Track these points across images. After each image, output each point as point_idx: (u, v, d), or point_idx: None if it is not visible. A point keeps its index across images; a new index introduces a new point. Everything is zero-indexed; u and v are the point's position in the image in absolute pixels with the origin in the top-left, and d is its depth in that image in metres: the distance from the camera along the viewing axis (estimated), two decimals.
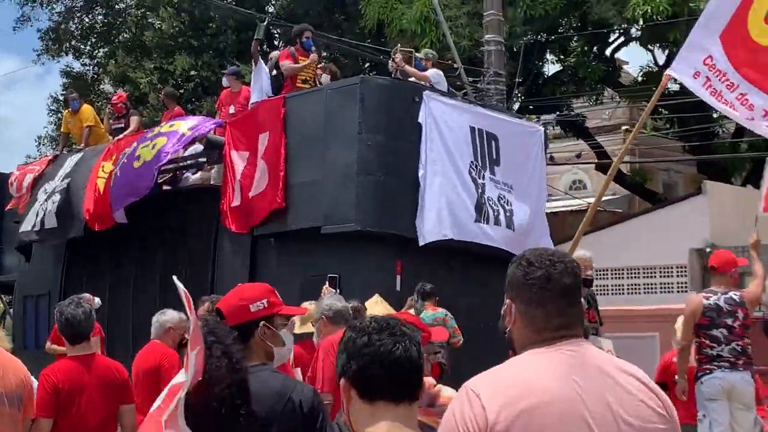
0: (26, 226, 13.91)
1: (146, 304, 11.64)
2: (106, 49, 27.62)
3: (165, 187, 13.00)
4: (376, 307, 8.85)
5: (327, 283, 8.28)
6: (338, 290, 8.22)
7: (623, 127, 27.41)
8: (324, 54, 14.16)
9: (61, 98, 26.29)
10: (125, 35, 27.73)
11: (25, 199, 14.61)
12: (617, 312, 14.52)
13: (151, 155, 12.09)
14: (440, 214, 10.86)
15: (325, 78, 12.43)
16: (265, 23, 14.11)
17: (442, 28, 17.19)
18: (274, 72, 12.49)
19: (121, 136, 13.48)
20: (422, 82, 11.76)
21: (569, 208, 24.90)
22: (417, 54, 12.77)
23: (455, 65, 16.36)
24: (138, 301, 12.56)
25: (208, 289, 11.63)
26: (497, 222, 11.36)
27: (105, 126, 14.95)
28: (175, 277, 3.54)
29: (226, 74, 13.74)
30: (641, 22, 19.40)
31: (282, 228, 11.29)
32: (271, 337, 3.59)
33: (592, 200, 26.25)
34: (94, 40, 27.91)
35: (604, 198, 26.49)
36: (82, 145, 14.73)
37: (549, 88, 22.98)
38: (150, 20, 28.03)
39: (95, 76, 28.19)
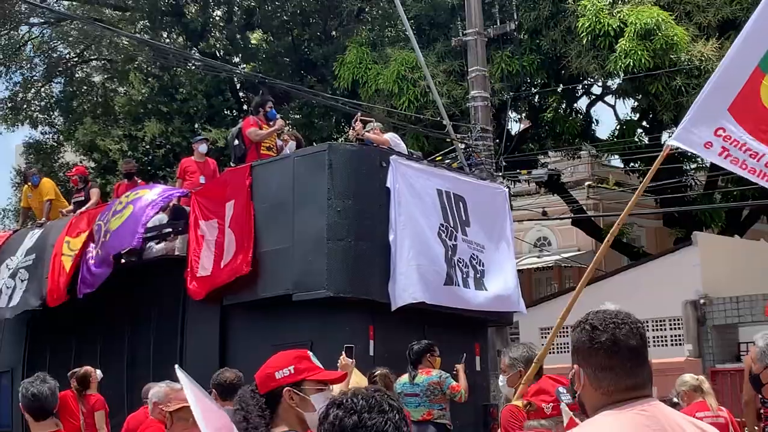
0: None
1: (114, 378, 12.11)
2: (65, 119, 28.42)
3: (124, 260, 13.54)
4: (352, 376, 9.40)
5: (344, 353, 8.42)
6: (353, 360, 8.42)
7: (586, 183, 28.51)
8: (289, 123, 14.99)
9: (23, 170, 27.00)
10: (88, 103, 28.57)
11: None
12: None
13: (121, 220, 12.72)
14: (411, 278, 11.46)
15: (292, 145, 13.17)
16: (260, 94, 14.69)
17: (428, 84, 17.99)
18: (236, 142, 13.19)
19: (83, 209, 14.01)
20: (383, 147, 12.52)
21: (535, 265, 25.86)
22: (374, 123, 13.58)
23: (444, 122, 17.19)
24: (106, 376, 12.94)
25: (176, 359, 12.14)
26: (466, 284, 12.02)
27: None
28: (177, 367, 3.94)
29: (197, 142, 14.44)
30: (622, 75, 20.48)
31: (252, 296, 11.76)
32: (300, 403, 3.73)
33: (557, 257, 27.32)
34: (53, 109, 28.75)
35: (568, 254, 27.50)
36: (44, 219, 15.20)
37: (526, 144, 24.06)
38: (117, 87, 28.93)
39: (56, 146, 28.92)
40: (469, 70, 17.52)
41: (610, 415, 2.70)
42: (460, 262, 12.06)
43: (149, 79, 27.94)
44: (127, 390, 11.93)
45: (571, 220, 26.11)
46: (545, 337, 20.71)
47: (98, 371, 11.33)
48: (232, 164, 12.90)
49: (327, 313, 11.28)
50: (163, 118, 26.53)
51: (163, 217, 13.45)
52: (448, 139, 19.38)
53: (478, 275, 12.27)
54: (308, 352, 3.98)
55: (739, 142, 6.39)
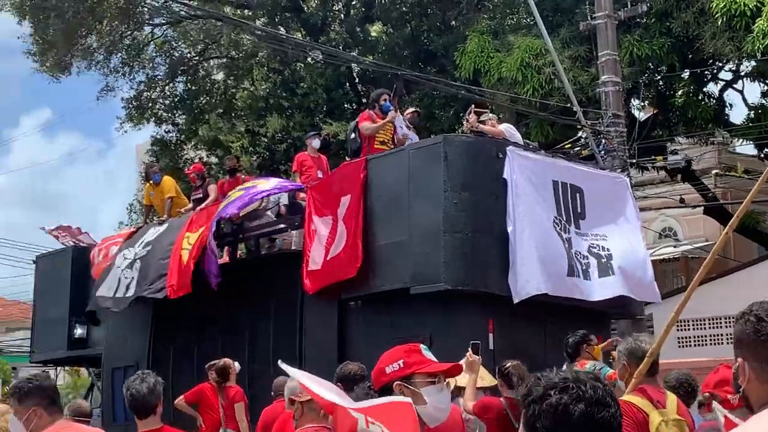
0: (104, 291, 15.03)
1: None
2: (188, 117, 29.65)
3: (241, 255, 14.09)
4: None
5: (470, 349, 8.54)
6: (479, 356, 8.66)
7: (713, 171, 27.91)
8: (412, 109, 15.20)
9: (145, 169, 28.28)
10: (210, 101, 29.74)
11: (98, 270, 15.91)
12: None
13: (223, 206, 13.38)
14: (533, 270, 11.53)
15: (413, 136, 13.44)
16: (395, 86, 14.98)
17: (557, 69, 18.00)
18: (352, 135, 13.57)
19: (202, 205, 14.66)
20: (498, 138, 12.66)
21: (660, 257, 25.49)
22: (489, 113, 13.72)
23: (574, 108, 17.17)
24: None
25: (296, 354, 12.59)
26: (587, 276, 12.05)
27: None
28: (280, 362, 4.07)
29: (310, 137, 14.90)
30: (759, 56, 20.05)
31: (370, 290, 12.08)
32: (411, 396, 3.74)
33: (683, 248, 26.86)
34: (176, 107, 30.01)
35: (696, 245, 26.92)
36: (165, 216, 15.90)
37: (656, 131, 23.78)
38: (238, 84, 29.96)
39: (179, 143, 30.18)
40: (599, 54, 17.39)
41: None
42: (578, 255, 12.10)
43: (270, 75, 28.75)
44: (249, 384, 12.36)
45: (703, 209, 25.64)
46: (680, 330, 20.46)
47: (236, 363, 11.61)
48: (347, 158, 13.23)
49: (445, 306, 11.49)
50: (284, 113, 27.27)
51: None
52: (578, 126, 19.32)
53: (603, 260, 12.27)
54: (420, 345, 4.04)
55: None
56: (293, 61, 28.32)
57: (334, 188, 12.70)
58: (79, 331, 16.88)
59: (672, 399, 6.10)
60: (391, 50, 27.70)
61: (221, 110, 29.15)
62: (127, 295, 14.53)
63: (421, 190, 11.84)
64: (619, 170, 15.96)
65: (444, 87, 23.10)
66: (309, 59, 28.63)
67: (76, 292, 16.90)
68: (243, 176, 16.48)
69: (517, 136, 13.20)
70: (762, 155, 25.77)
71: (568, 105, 18.93)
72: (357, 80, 28.84)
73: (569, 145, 23.71)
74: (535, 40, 22.66)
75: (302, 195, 13.49)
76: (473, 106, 13.78)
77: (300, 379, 3.90)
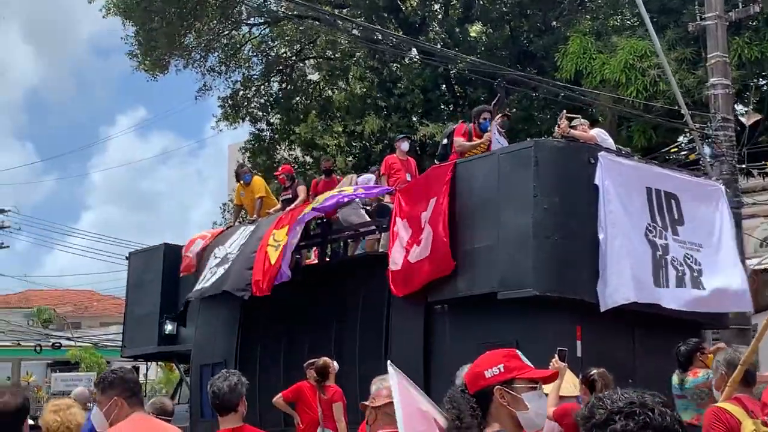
0: (197, 288, 15.63)
1: None
2: (283, 117, 30.41)
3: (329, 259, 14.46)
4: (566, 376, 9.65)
5: (557, 356, 8.52)
6: (566, 363, 8.51)
7: None
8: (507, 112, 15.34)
9: (248, 164, 29.24)
10: (307, 101, 30.45)
11: (191, 263, 16.50)
12: None
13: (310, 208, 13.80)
14: (623, 278, 11.56)
15: (505, 122, 13.63)
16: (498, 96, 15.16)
17: (664, 70, 17.97)
18: (445, 141, 13.81)
19: (291, 206, 15.09)
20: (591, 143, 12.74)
21: (763, 266, 25.10)
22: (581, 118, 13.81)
23: (682, 111, 17.10)
24: None
25: (381, 356, 12.87)
26: (681, 283, 12.08)
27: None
28: (389, 362, 4.30)
29: (399, 140, 15.22)
30: None
31: (456, 294, 12.27)
32: (512, 402, 3.76)
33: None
34: (272, 107, 30.79)
35: None
36: (255, 216, 16.40)
37: (765, 136, 23.49)
38: (335, 83, 30.58)
39: (273, 142, 30.92)
40: (708, 56, 17.20)
41: None
42: (674, 261, 12.13)
43: (367, 74, 29.20)
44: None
45: None
46: None
47: (335, 363, 11.80)
48: (436, 162, 13.50)
49: (533, 312, 11.60)
50: (381, 113, 27.68)
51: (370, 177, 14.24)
52: (685, 130, 19.17)
53: (695, 274, 12.29)
54: (517, 351, 4.03)
55: None
56: (391, 61, 28.72)
57: (421, 191, 12.93)
58: (169, 327, 17.47)
59: None
60: (489, 51, 27.82)
61: (316, 110, 29.71)
62: (206, 286, 15.11)
63: (510, 195, 11.98)
64: (728, 175, 15.94)
65: (546, 87, 23.14)
66: (406, 59, 29.06)
67: (167, 288, 17.55)
68: (338, 177, 16.90)
69: (610, 142, 13.26)
70: None
71: (674, 108, 18.84)
72: (454, 81, 29.05)
73: (675, 149, 23.61)
74: (640, 41, 22.59)
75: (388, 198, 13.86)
76: (564, 111, 13.89)
77: (393, 385, 4.21)
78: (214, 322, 16.37)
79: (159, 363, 22.83)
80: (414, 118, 27.29)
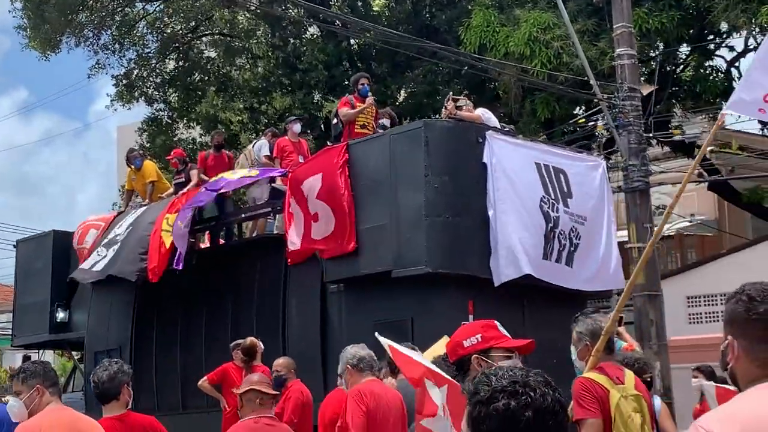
0: (83, 267, 16.02)
1: (217, 355, 13.60)
2: (181, 95, 30.67)
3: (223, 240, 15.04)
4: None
5: None
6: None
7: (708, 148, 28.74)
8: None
9: (146, 145, 29.58)
10: (204, 78, 30.77)
11: (88, 254, 16.83)
12: None
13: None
14: (514, 252, 12.40)
15: (385, 122, 14.38)
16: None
17: (573, 41, 18.54)
18: (335, 120, 14.47)
19: (184, 189, 15.60)
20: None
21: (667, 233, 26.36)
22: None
23: (591, 82, 17.58)
24: (210, 355, 14.47)
25: (279, 335, 13.56)
26: (559, 259, 12.97)
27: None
28: (377, 334, 4.82)
29: (291, 122, 15.85)
30: None
31: (351, 273, 12.94)
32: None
33: (677, 226, 27.73)
34: (169, 86, 30.98)
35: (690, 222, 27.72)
36: (147, 200, 16.88)
37: (665, 105, 24.54)
38: (235, 60, 30.94)
39: (170, 123, 31.20)
40: (614, 26, 17.63)
41: (765, 388, 2.87)
42: (561, 235, 12.97)
43: (270, 52, 29.65)
44: None
45: (707, 185, 26.54)
46: (692, 305, 21.39)
47: (260, 343, 11.86)
48: (328, 143, 14.20)
49: (426, 289, 12.32)
50: (286, 90, 28.21)
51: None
52: (593, 100, 19.87)
53: (571, 248, 13.15)
54: (495, 322, 4.46)
55: None
56: (293, 37, 29.21)
57: (313, 172, 13.52)
58: (60, 315, 17.87)
59: (630, 375, 6.57)
60: (392, 26, 28.47)
61: (215, 88, 30.08)
62: (95, 269, 15.51)
63: (402, 175, 12.64)
64: (636, 145, 16.62)
65: (450, 60, 23.76)
66: (308, 34, 29.58)
67: (57, 275, 17.89)
68: (227, 152, 17.46)
69: (494, 120, 14.02)
70: (764, 133, 26.57)
71: (579, 78, 19.58)
72: (357, 57, 29.66)
73: (582, 120, 24.53)
74: (543, 13, 23.39)
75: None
76: (450, 93, 14.66)
77: (390, 344, 4.67)
78: (108, 308, 16.81)
79: (56, 351, 23.07)
80: (318, 95, 27.86)
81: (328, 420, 8.59)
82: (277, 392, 7.92)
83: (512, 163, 12.89)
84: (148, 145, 29.96)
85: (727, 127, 27.83)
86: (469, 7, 25.64)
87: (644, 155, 17.12)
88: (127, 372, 6.52)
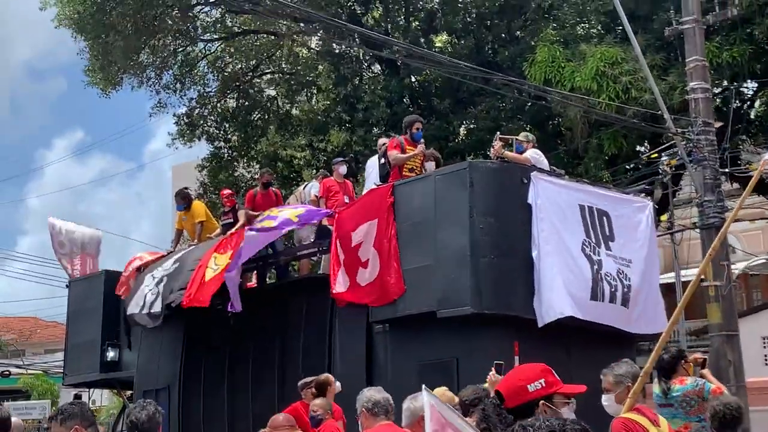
0: (133, 308, 16.57)
1: (264, 396, 14.25)
2: (242, 132, 31.72)
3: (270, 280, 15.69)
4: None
5: (494, 369, 9.31)
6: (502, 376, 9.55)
7: None
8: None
9: (207, 182, 30.64)
10: (264, 116, 31.80)
11: (123, 281, 17.63)
12: None
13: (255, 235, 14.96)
14: (557, 293, 12.78)
15: (430, 165, 14.93)
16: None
17: (646, 76, 18.86)
18: (382, 161, 15.06)
19: (232, 230, 16.27)
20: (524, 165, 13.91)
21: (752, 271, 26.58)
22: (517, 137, 15.15)
23: (665, 116, 17.88)
24: (257, 394, 15.06)
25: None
26: (613, 299, 13.33)
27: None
28: (424, 387, 4.59)
29: (337, 163, 16.52)
30: None
31: (396, 314, 13.43)
32: (552, 415, 4.11)
33: (743, 264, 27.79)
34: (229, 123, 32.14)
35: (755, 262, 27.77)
36: (195, 240, 17.64)
37: (733, 141, 24.68)
38: (296, 98, 31.92)
39: (230, 159, 32.26)
40: (687, 60, 18.01)
41: None
42: (608, 276, 13.37)
43: (332, 89, 30.53)
44: (278, 407, 13.89)
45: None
46: (766, 347, 21.57)
47: (338, 383, 11.96)
48: (375, 184, 14.81)
49: (471, 330, 12.76)
50: (346, 127, 28.99)
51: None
52: (662, 136, 19.99)
53: (625, 290, 13.55)
54: (547, 365, 4.62)
55: None
56: (354, 76, 30.04)
57: (360, 213, 14.10)
58: (111, 354, 18.54)
59: (663, 419, 6.98)
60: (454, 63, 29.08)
61: (275, 126, 31.02)
62: (153, 311, 16.08)
63: (447, 216, 13.12)
64: (711, 180, 17.02)
65: (517, 88, 24.09)
66: (369, 73, 30.39)
67: (108, 314, 18.65)
68: (274, 190, 18.04)
69: (544, 162, 14.52)
70: None
71: (650, 111, 19.90)
72: (418, 93, 30.34)
73: (655, 155, 24.82)
74: (610, 48, 23.90)
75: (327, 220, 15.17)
76: (498, 133, 15.20)
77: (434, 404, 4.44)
78: (157, 347, 17.55)
79: (111, 390, 24.04)
80: (380, 131, 28.58)
81: None
82: None
83: (557, 205, 13.32)
84: (208, 181, 30.98)
85: None
86: (533, 43, 26.19)
87: (719, 191, 17.34)
88: (162, 413, 6.83)
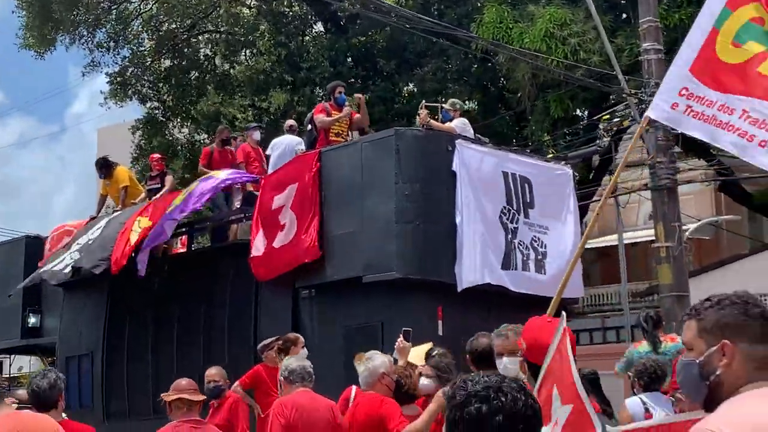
0: (48, 267, 17.17)
1: (189, 361, 14.97)
2: (177, 93, 32.35)
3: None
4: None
5: (401, 336, 9.70)
6: (410, 342, 9.78)
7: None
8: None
9: (142, 145, 31.26)
10: (201, 76, 32.47)
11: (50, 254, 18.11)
12: None
13: (180, 200, 15.55)
14: (475, 260, 13.64)
15: (356, 135, 15.73)
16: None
17: (600, 34, 19.39)
18: (309, 126, 15.83)
19: (158, 195, 16.97)
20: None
21: (648, 238, 27.60)
22: (444, 105, 15.98)
23: (619, 76, 18.40)
24: (182, 359, 15.74)
25: (251, 341, 14.69)
26: (526, 267, 14.20)
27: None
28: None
29: (251, 129, 17.45)
30: None
31: (322, 279, 14.19)
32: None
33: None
34: (164, 83, 32.72)
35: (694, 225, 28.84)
36: (120, 206, 18.26)
37: None
38: (235, 58, 32.48)
39: (164, 121, 32.90)
40: (641, 21, 18.29)
41: (764, 394, 3.22)
42: (521, 245, 14.22)
43: (273, 49, 31.10)
44: (203, 372, 14.62)
45: (718, 185, 27.66)
46: None
47: (304, 349, 11.89)
48: (301, 149, 15.63)
49: (396, 294, 13.50)
50: (286, 87, 29.65)
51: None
52: (622, 95, 20.55)
53: (539, 257, 14.43)
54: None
55: (701, 98, 7.93)
56: (297, 35, 30.63)
57: (284, 179, 14.82)
58: (32, 320, 19.18)
59: None
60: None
61: (212, 86, 31.59)
62: (65, 270, 16.71)
63: (373, 182, 13.88)
64: (663, 141, 17.37)
65: (467, 50, 24.55)
66: (313, 32, 30.98)
67: None
68: (230, 149, 18.36)
69: (469, 131, 15.37)
70: None
71: (604, 72, 20.48)
72: (364, 53, 30.97)
73: (607, 116, 25.62)
74: (558, 9, 24.62)
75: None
76: (423, 101, 16.04)
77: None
78: (80, 313, 18.13)
79: (38, 355, 24.67)
80: (322, 92, 29.20)
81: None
82: (204, 398, 8.96)
83: (480, 172, 14.12)
84: (143, 144, 31.57)
85: None
86: (479, 4, 26.82)
87: (672, 152, 17.73)
88: (64, 381, 7.32)
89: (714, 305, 3.41)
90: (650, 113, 8.55)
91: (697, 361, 3.34)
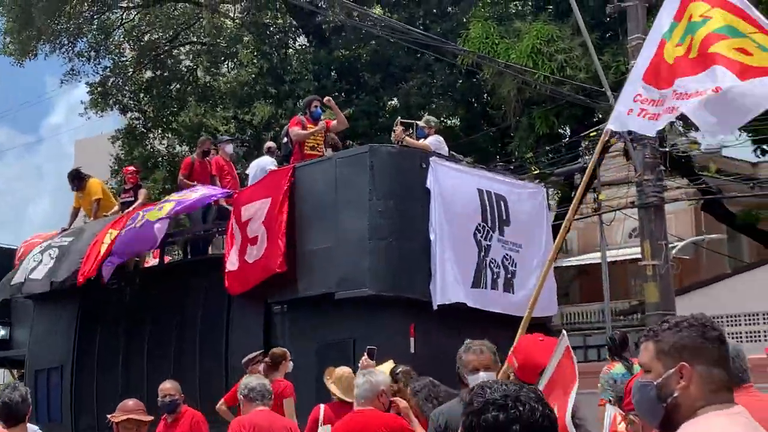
0: (17, 278, 17.29)
1: (160, 374, 15.12)
2: (158, 104, 32.59)
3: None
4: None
5: (366, 354, 10.04)
6: (374, 361, 10.08)
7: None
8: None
9: (121, 156, 31.50)
10: (183, 87, 32.71)
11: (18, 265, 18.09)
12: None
13: (155, 217, 15.68)
14: (448, 278, 13.86)
15: (329, 152, 15.90)
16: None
17: (589, 50, 19.75)
18: (285, 140, 16.08)
19: (130, 208, 17.11)
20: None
21: (630, 257, 27.89)
22: (418, 123, 16.25)
23: (608, 93, 18.83)
24: (152, 373, 15.78)
25: (221, 355, 15.00)
26: (495, 286, 14.44)
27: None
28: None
29: (223, 142, 17.70)
30: None
31: (294, 294, 14.40)
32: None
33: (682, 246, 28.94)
34: (145, 94, 33.00)
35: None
36: (92, 219, 18.41)
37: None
38: (218, 70, 32.78)
39: (145, 132, 33.14)
40: (630, 38, 18.39)
41: (720, 415, 3.32)
42: (492, 263, 14.47)
43: (256, 61, 31.40)
44: None
45: (701, 204, 27.98)
46: None
47: (291, 362, 12.30)
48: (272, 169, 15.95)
49: (369, 311, 13.70)
50: (270, 100, 29.93)
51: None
52: (597, 115, 20.56)
53: (508, 276, 14.68)
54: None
55: (653, 100, 8.31)
56: (281, 47, 30.91)
57: (257, 193, 15.10)
58: (1, 332, 19.38)
59: None
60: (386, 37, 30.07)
61: (193, 97, 31.88)
62: (31, 277, 16.86)
63: (347, 198, 14.09)
64: (651, 159, 17.70)
65: (452, 64, 24.75)
66: (297, 44, 31.28)
67: None
68: (210, 160, 18.52)
69: (444, 148, 15.59)
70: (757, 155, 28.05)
71: (588, 89, 20.77)
72: (348, 66, 31.26)
73: (593, 133, 25.89)
74: (546, 26, 24.94)
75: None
76: (399, 118, 16.29)
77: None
78: (50, 325, 18.30)
79: (7, 368, 24.77)
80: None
81: None
82: (153, 418, 9.06)
83: (455, 189, 14.36)
84: (123, 156, 31.85)
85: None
86: (465, 20, 27.12)
87: (659, 170, 18.00)
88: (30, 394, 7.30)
89: (672, 327, 3.49)
90: (610, 125, 8.86)
91: (655, 383, 3.42)
